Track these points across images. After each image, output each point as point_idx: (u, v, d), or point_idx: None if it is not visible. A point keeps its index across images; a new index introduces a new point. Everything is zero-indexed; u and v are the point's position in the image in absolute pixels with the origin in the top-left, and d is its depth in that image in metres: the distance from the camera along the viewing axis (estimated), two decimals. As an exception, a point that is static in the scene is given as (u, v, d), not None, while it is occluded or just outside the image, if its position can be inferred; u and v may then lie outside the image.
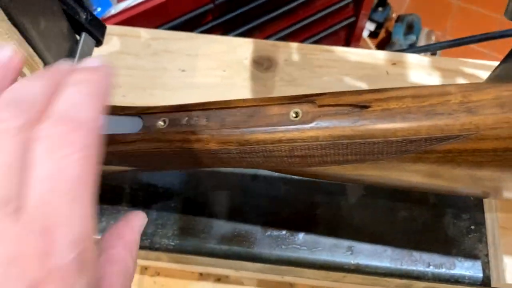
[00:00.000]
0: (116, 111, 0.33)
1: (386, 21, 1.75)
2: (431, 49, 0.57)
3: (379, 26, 1.75)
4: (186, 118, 0.31)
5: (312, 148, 0.28)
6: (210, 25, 1.13)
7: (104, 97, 0.20)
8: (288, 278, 0.48)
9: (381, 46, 1.76)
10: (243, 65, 0.59)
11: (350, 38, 1.51)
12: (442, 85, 0.26)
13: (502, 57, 0.33)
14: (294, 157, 0.29)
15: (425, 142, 0.26)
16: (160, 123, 0.32)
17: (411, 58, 0.59)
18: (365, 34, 1.76)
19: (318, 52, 0.59)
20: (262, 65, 0.59)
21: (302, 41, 1.35)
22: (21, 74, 0.36)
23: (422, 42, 1.67)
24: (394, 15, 1.77)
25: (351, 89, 0.28)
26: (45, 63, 0.40)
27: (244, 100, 0.30)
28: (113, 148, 0.32)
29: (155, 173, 0.44)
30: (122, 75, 0.58)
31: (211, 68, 0.59)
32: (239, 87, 0.57)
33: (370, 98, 0.27)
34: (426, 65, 0.59)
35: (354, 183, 0.34)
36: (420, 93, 0.26)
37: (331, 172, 0.30)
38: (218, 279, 0.50)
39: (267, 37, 1.26)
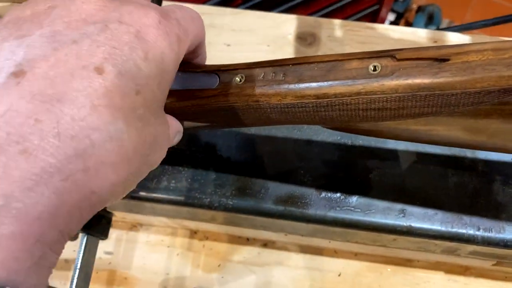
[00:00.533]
0: (193, 68, 0.35)
1: (406, 12, 1.76)
2: (473, 27, 0.58)
3: (399, 16, 1.75)
4: (263, 74, 0.33)
5: (391, 100, 0.29)
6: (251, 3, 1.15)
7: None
8: (334, 244, 0.50)
9: (400, 36, 1.76)
10: (287, 40, 0.60)
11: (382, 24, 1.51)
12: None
13: None
14: (370, 110, 0.30)
15: (504, 93, 0.27)
16: (237, 79, 0.33)
17: (452, 36, 0.60)
18: (386, 24, 1.76)
19: (360, 29, 0.61)
20: (306, 40, 0.60)
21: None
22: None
23: (442, 32, 1.67)
24: (414, 6, 1.78)
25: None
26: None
27: (322, 56, 0.32)
28: (191, 102, 0.33)
29: (212, 136, 0.45)
30: (169, 48, 0.60)
31: (256, 43, 0.60)
32: (282, 61, 0.59)
33: (450, 52, 0.28)
34: (467, 43, 0.60)
35: (414, 141, 0.35)
36: (502, 46, 0.27)
37: (401, 127, 0.32)
38: (265, 244, 0.52)
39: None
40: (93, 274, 0.51)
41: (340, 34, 0.61)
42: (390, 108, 0.30)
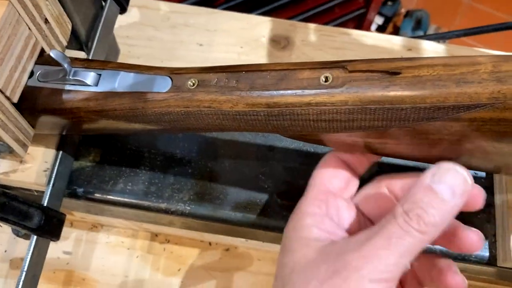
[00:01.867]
0: (145, 70, 0.34)
1: (395, 16, 1.76)
2: (446, 37, 0.58)
3: (387, 20, 1.75)
4: (216, 79, 0.32)
5: (340, 112, 0.29)
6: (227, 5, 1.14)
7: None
8: (296, 251, 0.49)
9: (388, 40, 1.76)
10: (261, 42, 0.60)
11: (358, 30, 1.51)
12: (473, 56, 0.27)
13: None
14: (321, 121, 0.30)
15: (453, 110, 0.27)
16: (190, 83, 0.32)
17: (426, 45, 0.60)
18: (373, 27, 1.76)
19: (335, 34, 0.60)
20: (280, 43, 0.60)
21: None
22: (51, 31, 0.36)
23: (429, 38, 1.67)
24: (403, 10, 1.78)
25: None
26: (73, 23, 0.40)
27: (275, 64, 0.31)
28: (142, 105, 0.33)
29: (173, 139, 0.45)
30: (140, 46, 0.59)
31: (229, 44, 0.60)
32: (255, 64, 0.58)
33: (402, 65, 0.28)
34: (441, 52, 0.60)
35: (371, 153, 0.35)
36: (451, 62, 0.27)
37: (354, 139, 0.31)
38: (227, 249, 0.51)
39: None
40: (50, 274, 0.50)
41: (315, 39, 0.60)
42: (340, 120, 0.29)
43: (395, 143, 0.31)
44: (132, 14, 0.61)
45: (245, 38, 0.60)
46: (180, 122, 0.33)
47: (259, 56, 0.59)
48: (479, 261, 0.41)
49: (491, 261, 0.41)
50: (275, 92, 0.30)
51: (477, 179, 0.43)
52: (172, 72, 0.33)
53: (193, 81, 0.32)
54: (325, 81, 0.29)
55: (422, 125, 0.28)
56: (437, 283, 0.31)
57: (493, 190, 0.43)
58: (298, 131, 0.31)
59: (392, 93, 0.27)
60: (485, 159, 0.32)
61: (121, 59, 0.57)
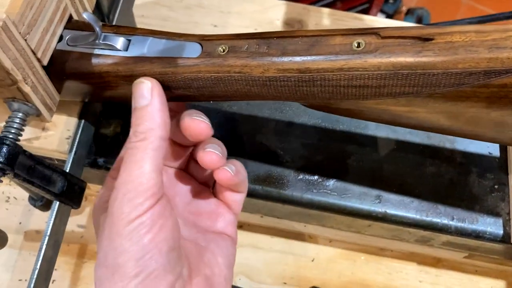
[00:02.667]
0: (175, 36, 0.34)
1: (396, 14, 1.77)
2: (458, 24, 0.59)
3: (389, 18, 1.76)
4: (247, 45, 0.32)
5: (372, 78, 0.29)
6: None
7: None
8: (309, 228, 0.50)
9: (388, 37, 1.77)
10: (275, 25, 0.60)
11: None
12: (505, 23, 0.28)
13: None
14: (352, 87, 0.30)
15: (484, 75, 0.27)
16: (220, 49, 0.33)
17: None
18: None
19: (347, 19, 0.61)
20: (293, 27, 0.60)
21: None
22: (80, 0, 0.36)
23: (429, 36, 1.69)
24: (404, 8, 1.79)
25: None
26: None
27: (306, 31, 0.31)
28: (171, 69, 0.33)
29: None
30: (155, 25, 0.59)
31: (243, 26, 0.60)
32: (269, 46, 0.59)
33: (434, 31, 0.28)
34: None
35: (394, 124, 0.35)
36: (484, 29, 0.27)
37: (381, 107, 0.32)
38: (241, 226, 0.52)
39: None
40: (64, 247, 0.50)
41: (328, 23, 0.61)
42: (371, 85, 0.30)
43: (422, 111, 0.31)
44: (147, -7, 0.61)
45: (259, 21, 0.61)
46: (209, 89, 0.34)
47: (273, 38, 0.60)
48: (493, 238, 0.42)
49: (505, 238, 0.42)
50: (306, 58, 0.30)
51: (491, 159, 0.44)
52: (203, 39, 0.34)
53: (224, 47, 0.33)
54: (358, 47, 0.30)
55: (451, 92, 0.29)
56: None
57: (507, 169, 0.44)
58: (327, 98, 0.32)
59: (424, 59, 0.28)
60: (504, 130, 0.33)
61: (137, 37, 0.57)
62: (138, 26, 0.58)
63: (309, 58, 0.30)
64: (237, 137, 0.44)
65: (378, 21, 0.61)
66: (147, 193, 0.28)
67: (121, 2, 0.46)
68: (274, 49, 0.32)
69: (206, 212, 0.35)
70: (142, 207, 0.27)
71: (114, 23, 0.44)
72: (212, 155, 0.33)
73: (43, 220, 0.50)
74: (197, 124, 0.32)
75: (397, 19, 1.78)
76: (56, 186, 0.37)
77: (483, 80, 0.27)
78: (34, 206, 0.45)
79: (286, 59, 0.31)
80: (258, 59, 0.31)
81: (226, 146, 0.44)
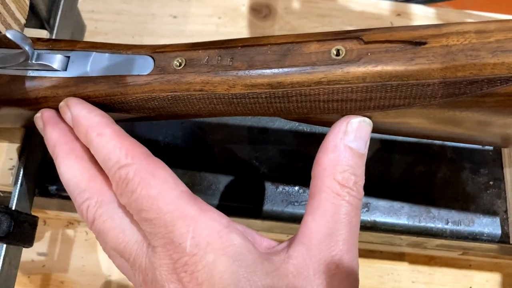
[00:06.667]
0: (122, 49, 0.29)
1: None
2: (437, 0, 0.54)
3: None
4: (207, 57, 0.28)
5: (356, 91, 0.25)
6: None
7: None
8: (293, 237, 0.46)
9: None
10: (240, 12, 0.55)
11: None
12: (509, 19, 0.23)
13: None
14: (333, 102, 0.26)
15: (488, 84, 0.23)
16: (176, 63, 0.28)
17: (416, 9, 0.56)
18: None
19: (320, 1, 0.56)
20: (261, 12, 0.55)
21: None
22: (5, 7, 0.31)
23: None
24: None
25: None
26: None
27: (275, 37, 0.27)
28: (121, 90, 0.28)
29: (154, 125, 0.40)
30: (107, 20, 0.53)
31: (205, 15, 0.55)
32: (235, 35, 0.53)
33: (427, 33, 0.24)
34: (431, 16, 0.56)
35: (381, 133, 0.31)
36: (485, 28, 0.23)
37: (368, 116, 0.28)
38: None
39: None
40: (25, 280, 0.45)
41: (298, 6, 0.56)
42: (355, 99, 0.25)
43: (415, 122, 0.27)
44: (96, -15, 0.55)
45: (223, 8, 0.55)
46: (166, 109, 0.29)
47: (239, 27, 0.55)
48: (491, 239, 0.39)
49: (504, 239, 0.39)
50: (278, 70, 0.26)
51: (484, 152, 0.40)
52: (154, 51, 0.29)
53: (180, 61, 0.28)
54: (337, 55, 0.25)
55: (449, 102, 0.24)
56: None
57: (502, 163, 0.41)
58: (305, 113, 0.28)
59: (417, 67, 0.24)
60: (504, 135, 0.29)
61: (87, 36, 0.52)
62: (88, 23, 0.52)
63: (281, 70, 0.26)
64: (206, 148, 0.40)
65: (352, 1, 0.56)
66: None
67: (62, 2, 0.40)
68: (239, 61, 0.27)
69: None
70: None
71: (55, 29, 0.38)
72: None
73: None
74: None
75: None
76: (1, 227, 0.32)
77: (487, 89, 0.23)
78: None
79: (254, 72, 0.26)
80: (221, 74, 0.27)
81: (194, 159, 0.40)
